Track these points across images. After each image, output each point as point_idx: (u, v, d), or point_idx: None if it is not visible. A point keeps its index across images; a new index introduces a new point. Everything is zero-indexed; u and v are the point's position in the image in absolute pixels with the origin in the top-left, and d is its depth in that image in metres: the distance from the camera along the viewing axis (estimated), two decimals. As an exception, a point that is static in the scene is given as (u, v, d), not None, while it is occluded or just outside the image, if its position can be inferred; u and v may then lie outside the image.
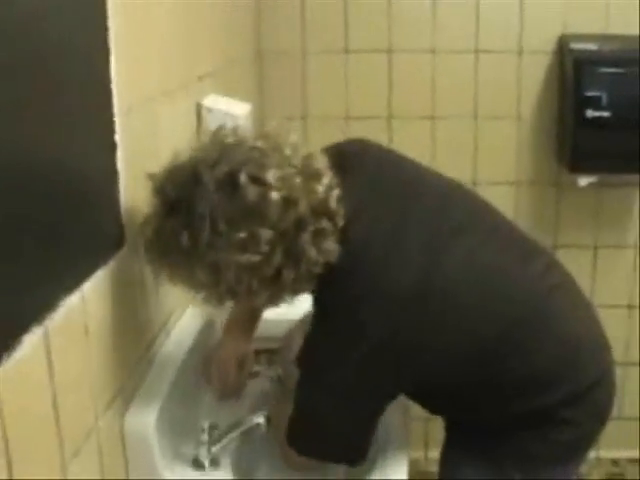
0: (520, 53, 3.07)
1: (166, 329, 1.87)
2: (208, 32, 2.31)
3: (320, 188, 1.50)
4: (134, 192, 1.59)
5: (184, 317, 2.00)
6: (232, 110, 2.20)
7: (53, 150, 1.25)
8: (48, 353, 1.23)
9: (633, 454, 3.49)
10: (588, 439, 1.82)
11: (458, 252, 1.61)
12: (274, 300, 1.57)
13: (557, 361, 1.71)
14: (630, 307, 3.35)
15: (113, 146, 1.51)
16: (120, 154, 1.53)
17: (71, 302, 1.31)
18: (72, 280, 1.33)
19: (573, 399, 1.72)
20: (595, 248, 3.27)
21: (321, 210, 1.49)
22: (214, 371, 1.98)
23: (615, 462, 3.50)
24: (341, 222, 1.53)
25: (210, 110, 2.16)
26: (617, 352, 3.20)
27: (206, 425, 1.73)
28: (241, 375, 2.01)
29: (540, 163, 3.15)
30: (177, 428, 1.73)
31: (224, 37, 2.52)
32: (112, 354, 1.52)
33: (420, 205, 1.67)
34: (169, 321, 1.90)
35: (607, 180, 3.11)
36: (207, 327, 2.02)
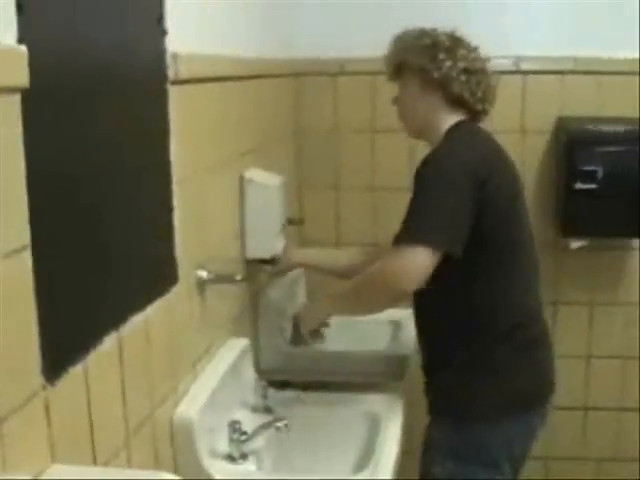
0: (523, 132, 3.55)
1: (210, 352, 2.35)
2: (252, 114, 2.83)
3: None
4: (185, 244, 2.09)
5: (225, 346, 2.48)
6: (267, 181, 2.69)
7: (131, 214, 1.77)
8: (120, 352, 1.72)
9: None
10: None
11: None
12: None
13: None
14: (622, 358, 3.74)
15: (171, 208, 2.01)
16: (176, 214, 2.03)
17: (138, 319, 1.80)
18: (141, 303, 1.82)
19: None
20: (591, 305, 3.69)
21: None
22: (305, 318, 2.56)
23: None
24: None
25: (250, 181, 2.66)
26: (614, 399, 3.67)
27: (232, 422, 2.19)
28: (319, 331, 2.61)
29: (540, 229, 3.59)
30: (213, 426, 2.20)
31: (266, 117, 3.03)
32: (167, 362, 2.01)
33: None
34: (212, 346, 2.38)
35: (599, 244, 3.54)
36: (242, 354, 2.50)
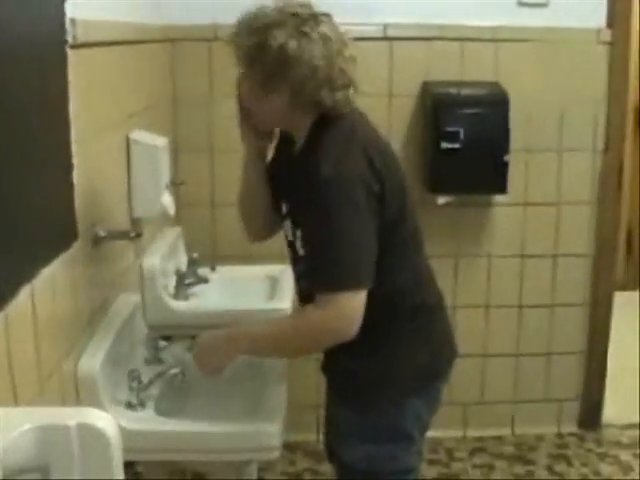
0: (390, 96, 3.74)
1: (105, 307, 2.45)
2: (137, 78, 2.93)
3: None
4: (83, 202, 2.18)
5: (118, 301, 2.58)
6: (152, 142, 2.79)
7: (34, 172, 1.85)
8: (33, 303, 1.81)
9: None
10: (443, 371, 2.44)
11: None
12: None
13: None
14: (486, 307, 4.02)
15: (71, 167, 2.10)
16: (75, 172, 2.12)
17: (46, 272, 1.89)
18: (48, 257, 1.92)
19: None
20: (456, 257, 3.93)
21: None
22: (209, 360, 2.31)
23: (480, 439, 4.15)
24: None
25: (136, 142, 2.75)
26: (477, 345, 3.91)
27: (130, 371, 2.31)
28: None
29: (410, 187, 3.79)
30: (113, 377, 2.30)
31: (148, 81, 3.12)
32: (70, 315, 2.11)
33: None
34: (107, 301, 2.48)
35: (464, 200, 3.78)
36: (134, 309, 2.61)
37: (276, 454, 2.30)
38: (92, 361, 2.19)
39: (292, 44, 2.06)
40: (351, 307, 2.09)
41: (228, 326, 2.33)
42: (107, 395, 2.22)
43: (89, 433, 1.48)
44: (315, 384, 3.78)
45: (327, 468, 3.75)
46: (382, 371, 2.29)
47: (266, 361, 2.57)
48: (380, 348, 2.28)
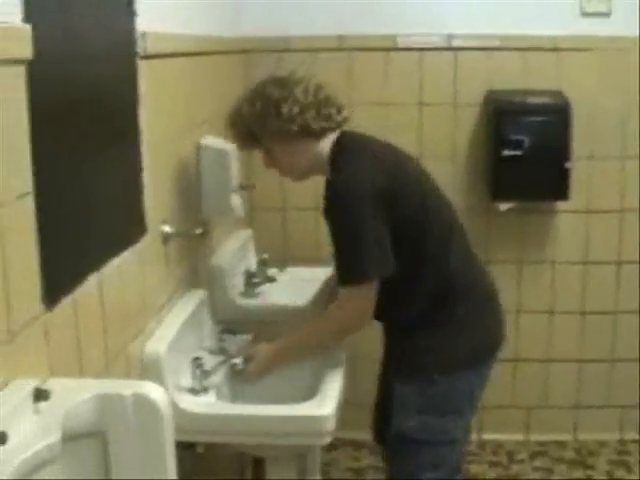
0: (455, 105, 3.86)
1: (172, 300, 2.63)
2: (207, 87, 3.11)
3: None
4: (152, 201, 2.37)
5: (186, 295, 2.76)
6: (221, 147, 2.96)
7: (108, 171, 2.04)
8: (101, 290, 1.99)
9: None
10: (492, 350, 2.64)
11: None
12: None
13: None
14: (550, 313, 4.09)
15: (141, 169, 2.29)
16: (145, 174, 2.31)
17: (115, 263, 2.07)
18: (117, 249, 2.10)
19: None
20: (520, 263, 4.02)
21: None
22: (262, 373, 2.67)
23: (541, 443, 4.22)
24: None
25: (206, 147, 2.93)
26: (540, 350, 3.99)
27: (194, 359, 2.48)
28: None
29: (472, 193, 3.92)
30: (177, 363, 2.47)
31: (219, 91, 3.30)
32: (137, 304, 2.29)
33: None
34: (174, 294, 2.66)
35: (526, 207, 3.87)
36: (201, 303, 2.79)
37: (327, 440, 2.43)
38: (158, 345, 2.37)
39: (274, 92, 2.51)
40: (364, 299, 2.46)
41: (288, 324, 2.80)
42: (171, 379, 2.38)
43: (143, 403, 1.65)
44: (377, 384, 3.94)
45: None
46: (438, 347, 2.55)
47: (324, 351, 2.71)
48: (437, 326, 2.55)
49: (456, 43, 3.79)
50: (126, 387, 1.68)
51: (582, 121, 3.73)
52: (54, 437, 1.53)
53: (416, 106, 3.87)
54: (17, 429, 1.47)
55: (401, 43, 3.81)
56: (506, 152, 3.63)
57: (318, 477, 3.77)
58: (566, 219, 3.96)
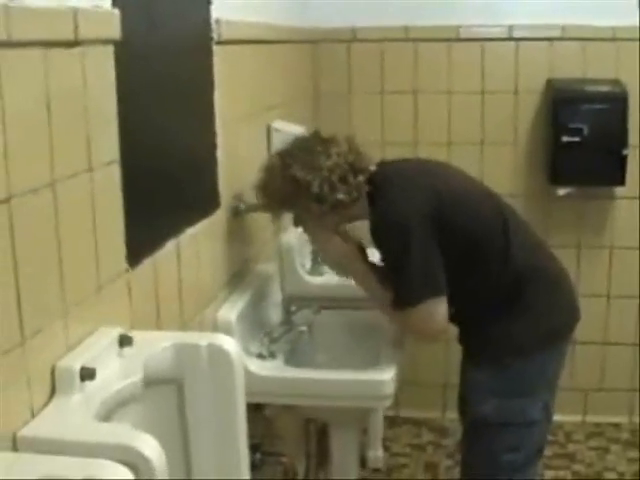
0: (516, 93, 3.99)
1: (243, 272, 2.81)
2: (278, 74, 3.30)
3: None
4: (225, 177, 2.56)
5: (257, 268, 2.94)
6: (291, 130, 3.13)
7: (186, 146, 2.23)
8: (178, 255, 2.18)
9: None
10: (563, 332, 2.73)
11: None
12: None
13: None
14: (607, 297, 4.19)
15: (216, 146, 2.47)
16: (219, 151, 2.49)
17: (191, 232, 2.26)
18: (193, 219, 2.28)
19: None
20: (578, 248, 4.13)
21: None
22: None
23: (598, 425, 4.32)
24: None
25: (277, 130, 3.11)
26: (597, 332, 4.08)
27: (262, 326, 2.66)
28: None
29: (532, 178, 4.04)
30: (247, 329, 2.65)
31: (289, 78, 3.49)
32: (210, 272, 2.47)
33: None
34: (246, 267, 2.84)
35: (584, 192, 3.98)
36: (271, 277, 2.97)
37: (388, 402, 2.59)
38: (230, 312, 2.55)
39: (301, 173, 2.49)
40: (434, 313, 2.50)
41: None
42: (240, 344, 2.55)
43: (217, 352, 1.83)
44: (442, 364, 4.08)
45: (450, 442, 4.05)
46: (509, 332, 2.60)
47: (384, 324, 2.85)
48: (507, 313, 2.60)
49: (517, 33, 3.91)
50: (202, 338, 1.86)
51: (638, 109, 3.81)
52: (136, 377, 1.72)
53: (478, 94, 4.00)
54: (104, 369, 1.65)
55: (463, 34, 3.95)
56: (565, 139, 3.74)
57: (380, 452, 3.94)
58: (623, 205, 4.05)
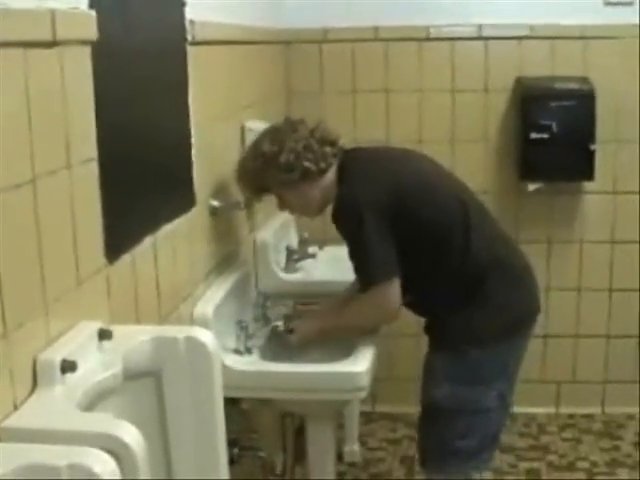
0: (486, 91, 4.06)
1: (218, 268, 2.86)
2: (250, 74, 3.34)
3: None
4: (200, 175, 2.60)
5: (232, 266, 2.98)
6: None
7: (161, 144, 2.28)
8: (155, 251, 2.22)
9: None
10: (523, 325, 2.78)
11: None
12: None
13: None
14: (578, 290, 4.27)
15: (190, 145, 2.52)
16: (194, 151, 2.53)
17: (167, 228, 2.30)
18: (170, 216, 2.33)
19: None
20: (548, 242, 4.19)
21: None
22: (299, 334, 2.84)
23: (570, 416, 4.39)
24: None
25: (250, 130, 3.15)
26: (568, 326, 4.15)
27: (238, 322, 2.70)
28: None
29: (502, 174, 4.11)
30: (223, 325, 2.69)
31: (261, 78, 3.54)
32: (187, 268, 2.51)
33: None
34: (221, 264, 2.89)
35: (554, 188, 4.05)
36: (246, 274, 3.02)
37: (364, 394, 2.64)
38: (207, 307, 2.61)
39: (270, 146, 2.69)
40: (388, 295, 2.61)
41: (325, 298, 3.05)
42: (217, 340, 2.59)
43: (194, 344, 1.87)
44: (416, 359, 4.11)
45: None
46: (468, 320, 2.68)
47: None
48: (467, 302, 2.68)
49: (486, 33, 3.98)
50: (179, 331, 1.90)
51: (607, 106, 3.90)
52: (116, 369, 1.76)
53: (449, 92, 4.07)
54: (84, 362, 1.69)
55: (433, 33, 4.01)
56: (534, 135, 3.81)
57: (356, 446, 3.99)
58: (593, 200, 4.13)
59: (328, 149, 2.70)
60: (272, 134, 2.76)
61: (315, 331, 2.82)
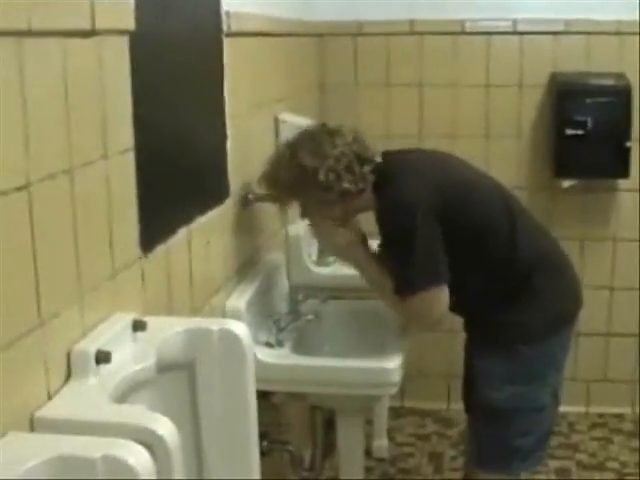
0: (520, 86, 4.03)
1: (252, 260, 2.85)
2: (285, 67, 3.34)
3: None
4: (235, 167, 2.59)
5: (265, 258, 2.98)
6: (298, 122, 3.16)
7: (197, 135, 2.27)
8: (189, 242, 2.21)
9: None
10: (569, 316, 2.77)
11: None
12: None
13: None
14: (610, 288, 4.23)
15: (226, 137, 2.51)
16: (229, 142, 2.53)
17: (201, 220, 2.29)
18: (203, 208, 2.32)
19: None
20: (582, 239, 4.16)
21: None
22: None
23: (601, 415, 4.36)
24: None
25: (284, 121, 3.14)
26: (601, 324, 4.11)
27: (270, 315, 2.69)
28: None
29: (536, 171, 4.08)
30: (255, 318, 2.69)
31: (296, 71, 3.53)
32: (221, 260, 2.51)
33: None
34: (254, 256, 2.88)
35: (588, 185, 4.01)
36: (279, 266, 3.01)
37: (394, 390, 2.64)
38: (239, 300, 2.60)
39: (308, 160, 2.52)
40: (435, 300, 2.54)
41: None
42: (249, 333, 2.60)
43: (228, 337, 1.86)
44: (446, 355, 4.11)
45: (453, 432, 4.09)
46: (517, 318, 2.64)
47: (390, 313, 2.88)
48: (514, 299, 2.65)
49: (522, 27, 3.95)
50: (213, 323, 1.90)
51: (644, 102, 3.85)
52: (150, 361, 1.75)
53: (483, 87, 4.04)
54: (118, 353, 1.68)
55: (469, 27, 3.98)
56: (569, 131, 3.78)
57: (385, 441, 3.98)
58: (627, 197, 4.09)
59: (366, 168, 2.57)
60: (310, 145, 2.57)
61: (353, 254, 2.71)
